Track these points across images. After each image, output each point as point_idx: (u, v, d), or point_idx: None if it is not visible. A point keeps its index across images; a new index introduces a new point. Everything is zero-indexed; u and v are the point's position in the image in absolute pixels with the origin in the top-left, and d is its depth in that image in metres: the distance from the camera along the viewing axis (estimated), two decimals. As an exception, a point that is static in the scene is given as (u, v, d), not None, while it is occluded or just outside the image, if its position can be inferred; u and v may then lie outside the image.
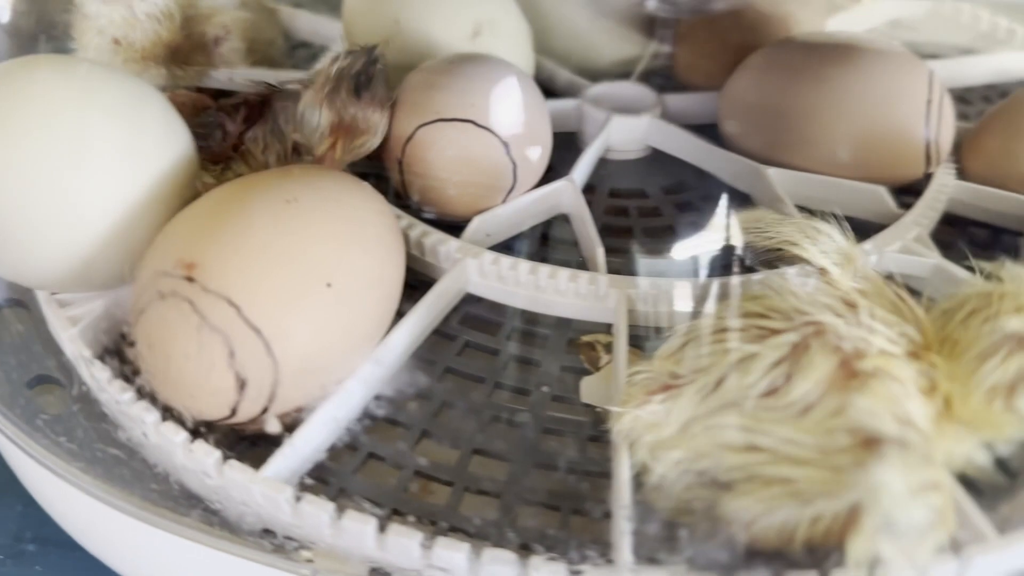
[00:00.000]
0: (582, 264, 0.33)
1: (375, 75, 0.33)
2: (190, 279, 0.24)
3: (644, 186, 0.38)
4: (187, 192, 0.29)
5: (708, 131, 0.38)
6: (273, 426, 0.25)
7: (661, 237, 0.35)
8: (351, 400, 0.27)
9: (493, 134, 0.32)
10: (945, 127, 0.34)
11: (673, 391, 0.24)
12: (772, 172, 0.35)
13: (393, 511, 0.25)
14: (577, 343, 0.31)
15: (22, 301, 0.32)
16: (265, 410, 0.25)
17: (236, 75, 0.39)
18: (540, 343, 0.31)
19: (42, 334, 0.31)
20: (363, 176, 0.35)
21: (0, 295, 0.32)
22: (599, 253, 0.31)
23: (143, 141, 0.28)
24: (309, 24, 0.46)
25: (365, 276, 0.27)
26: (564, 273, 0.30)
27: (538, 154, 0.34)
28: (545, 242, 0.35)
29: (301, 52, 0.46)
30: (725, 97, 0.38)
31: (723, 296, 0.29)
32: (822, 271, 0.26)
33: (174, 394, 0.25)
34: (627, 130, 0.39)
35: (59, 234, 0.26)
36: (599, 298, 0.30)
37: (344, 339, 0.26)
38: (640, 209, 0.37)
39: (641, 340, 0.29)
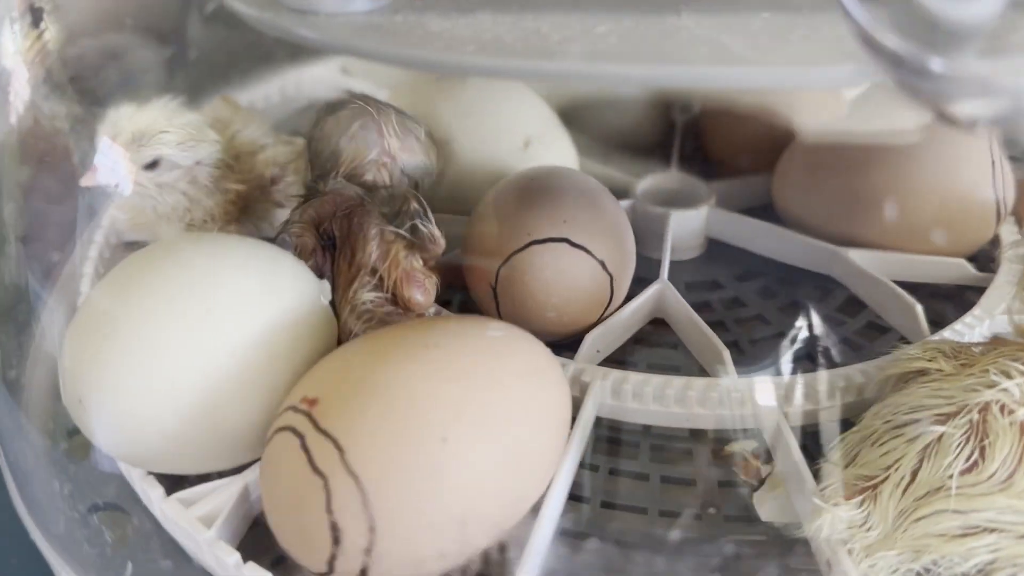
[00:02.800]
0: (686, 366, 0.33)
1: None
2: (308, 414, 0.23)
3: (714, 276, 0.38)
4: (319, 346, 0.28)
5: (758, 215, 0.39)
6: None
7: (755, 327, 0.35)
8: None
9: (588, 252, 0.31)
10: (1009, 185, 0.35)
11: (868, 492, 0.24)
12: (854, 255, 0.35)
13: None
14: (722, 454, 0.30)
15: (118, 505, 0.29)
16: (364, 571, 0.23)
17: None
18: (684, 459, 0.30)
19: (157, 537, 0.27)
20: (445, 304, 0.34)
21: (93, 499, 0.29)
22: (726, 356, 0.31)
23: (273, 302, 0.27)
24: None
25: (495, 429, 0.24)
26: (699, 383, 0.30)
27: (630, 264, 0.33)
28: (638, 348, 0.34)
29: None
30: (781, 179, 0.38)
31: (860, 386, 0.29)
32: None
33: (281, 535, 0.24)
34: (687, 224, 0.38)
35: (190, 401, 0.25)
36: (740, 404, 0.29)
37: (470, 499, 0.23)
38: (723, 301, 0.37)
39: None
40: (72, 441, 0.31)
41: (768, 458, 0.29)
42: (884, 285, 0.34)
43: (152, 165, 0.33)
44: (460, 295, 0.35)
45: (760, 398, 0.29)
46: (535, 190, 0.33)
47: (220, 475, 0.27)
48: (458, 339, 0.25)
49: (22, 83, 0.32)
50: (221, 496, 0.26)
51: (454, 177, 0.37)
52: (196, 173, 0.33)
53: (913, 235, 0.35)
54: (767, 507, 0.27)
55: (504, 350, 0.26)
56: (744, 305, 0.36)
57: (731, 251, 0.39)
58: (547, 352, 0.27)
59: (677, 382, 0.29)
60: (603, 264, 0.32)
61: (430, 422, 0.23)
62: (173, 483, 0.27)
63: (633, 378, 0.30)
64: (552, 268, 0.31)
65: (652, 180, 0.40)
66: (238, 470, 0.27)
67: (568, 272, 0.31)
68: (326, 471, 0.22)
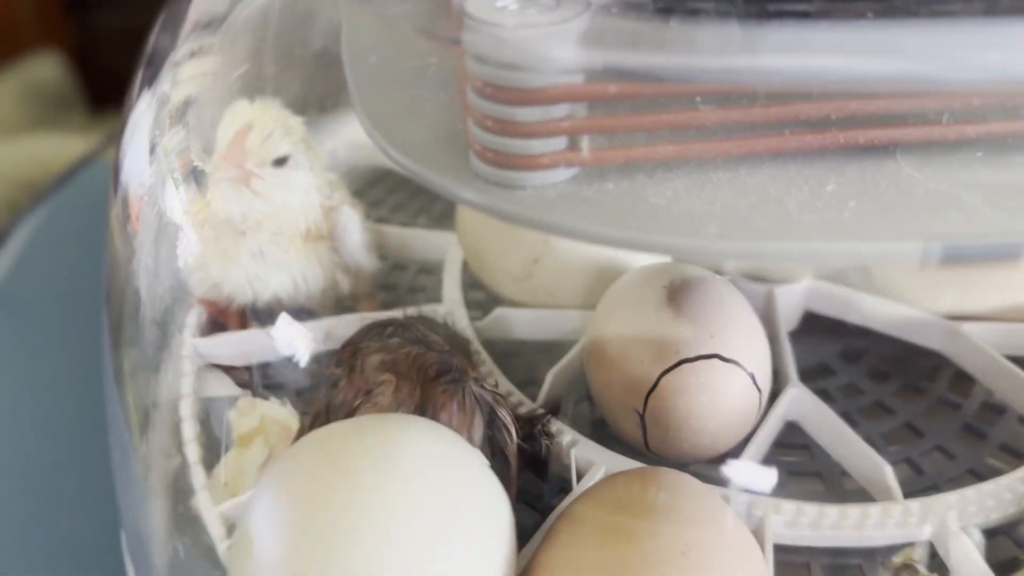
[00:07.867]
0: (826, 470, 0.32)
1: None
2: None
3: (820, 357, 0.37)
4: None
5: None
6: None
7: (881, 419, 0.34)
8: None
9: (739, 367, 0.30)
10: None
11: None
12: (970, 329, 0.34)
13: None
14: (891, 566, 0.29)
15: None
16: None
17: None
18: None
19: None
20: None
21: None
22: (889, 475, 0.30)
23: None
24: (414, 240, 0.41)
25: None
26: (875, 511, 0.29)
27: (770, 372, 0.32)
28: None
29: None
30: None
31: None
32: None
33: None
34: (790, 300, 0.37)
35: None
36: (918, 523, 0.29)
37: None
38: (841, 390, 0.36)
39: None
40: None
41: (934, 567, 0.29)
42: (1003, 365, 0.33)
43: (281, 161, 0.31)
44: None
45: (935, 515, 0.29)
46: (669, 295, 0.31)
47: None
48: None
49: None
50: None
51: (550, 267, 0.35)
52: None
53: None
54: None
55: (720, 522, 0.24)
56: (861, 392, 0.36)
57: (822, 321, 0.38)
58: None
59: (853, 512, 0.29)
60: (753, 378, 0.30)
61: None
62: None
63: (808, 510, 0.29)
64: (708, 391, 0.29)
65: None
66: None
67: (723, 392, 0.30)
68: None
